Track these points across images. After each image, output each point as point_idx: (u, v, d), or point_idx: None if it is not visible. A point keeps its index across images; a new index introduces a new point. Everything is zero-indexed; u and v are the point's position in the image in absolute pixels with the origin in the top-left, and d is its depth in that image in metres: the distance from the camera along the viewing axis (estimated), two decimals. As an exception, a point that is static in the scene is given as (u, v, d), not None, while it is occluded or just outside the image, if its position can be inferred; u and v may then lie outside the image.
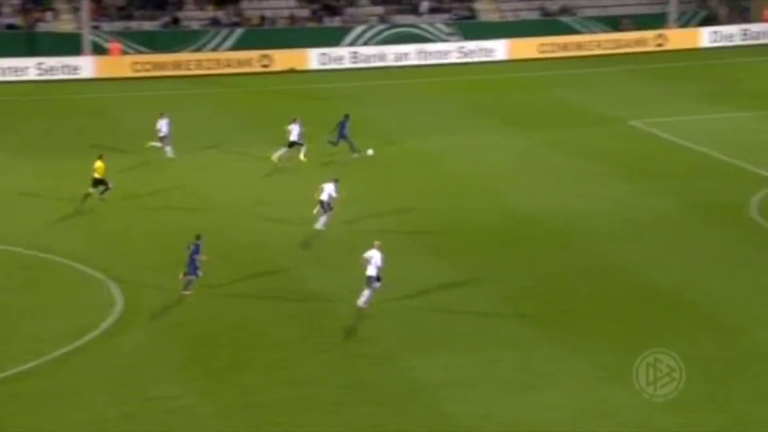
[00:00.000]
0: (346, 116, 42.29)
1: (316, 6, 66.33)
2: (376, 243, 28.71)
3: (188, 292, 29.08)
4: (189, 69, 59.49)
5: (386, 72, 60.38)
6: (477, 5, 67.85)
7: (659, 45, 64.06)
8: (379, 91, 55.91)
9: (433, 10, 66.94)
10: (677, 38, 64.63)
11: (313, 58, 61.03)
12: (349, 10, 66.19)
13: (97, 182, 36.34)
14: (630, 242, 33.25)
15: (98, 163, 36.55)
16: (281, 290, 30.14)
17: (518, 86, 56.72)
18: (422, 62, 61.88)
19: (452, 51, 62.73)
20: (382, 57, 61.93)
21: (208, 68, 59.77)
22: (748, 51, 62.96)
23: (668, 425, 22.73)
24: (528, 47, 63.08)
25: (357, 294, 28.61)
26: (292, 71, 60.07)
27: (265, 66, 60.26)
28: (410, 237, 34.19)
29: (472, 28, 65.22)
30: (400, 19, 65.84)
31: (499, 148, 44.22)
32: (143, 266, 31.77)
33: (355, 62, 61.60)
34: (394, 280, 30.42)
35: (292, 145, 40.97)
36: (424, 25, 64.70)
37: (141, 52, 60.68)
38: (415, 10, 66.85)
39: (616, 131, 46.63)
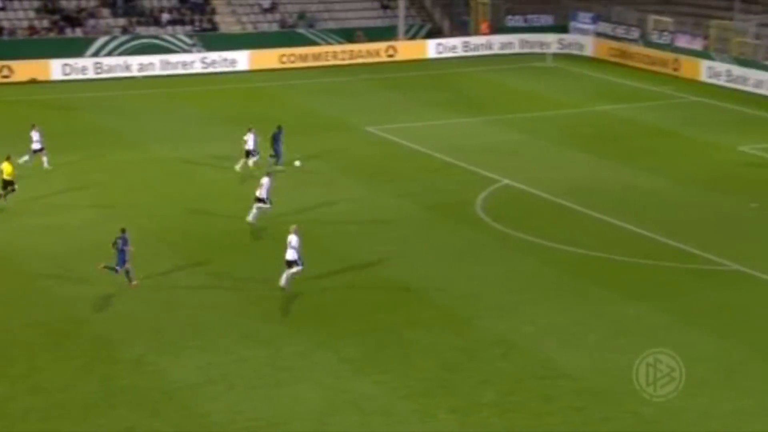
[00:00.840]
0: (279, 127, 41.91)
1: (56, 17, 64.14)
2: (293, 227, 29.58)
3: (136, 282, 29.47)
4: (-75, 79, 56.45)
5: (131, 82, 59.23)
6: (218, 18, 67.52)
7: (390, 56, 65.74)
8: (125, 101, 54.74)
9: (174, 22, 66.11)
10: (406, 50, 66.52)
11: (55, 68, 59.14)
12: (91, 22, 64.37)
13: (6, 183, 35.92)
14: (373, 241, 33.96)
15: (5, 165, 36.17)
16: (28, 298, 29.01)
17: (261, 95, 56.84)
18: (166, 72, 61.10)
19: (195, 61, 62.23)
20: (126, 67, 60.73)
21: (-55, 79, 56.98)
22: (470, 61, 65.52)
23: (407, 411, 23.38)
24: (269, 58, 63.36)
25: (106, 301, 27.93)
26: (33, 81, 57.96)
27: (6, 76, 57.96)
28: (159, 240, 33.69)
29: (214, 39, 64.86)
30: (142, 30, 64.68)
31: (244, 154, 44.09)
32: None
33: (99, 72, 60.13)
34: (142, 284, 29.95)
35: (248, 154, 40.62)
36: (166, 36, 63.87)
37: None
38: (157, 22, 65.79)
39: (354, 137, 47.50)
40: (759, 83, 55.74)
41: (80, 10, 64.90)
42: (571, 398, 23.74)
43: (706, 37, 61.43)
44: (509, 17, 70.07)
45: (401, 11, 67.88)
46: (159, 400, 23.70)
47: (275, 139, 41.83)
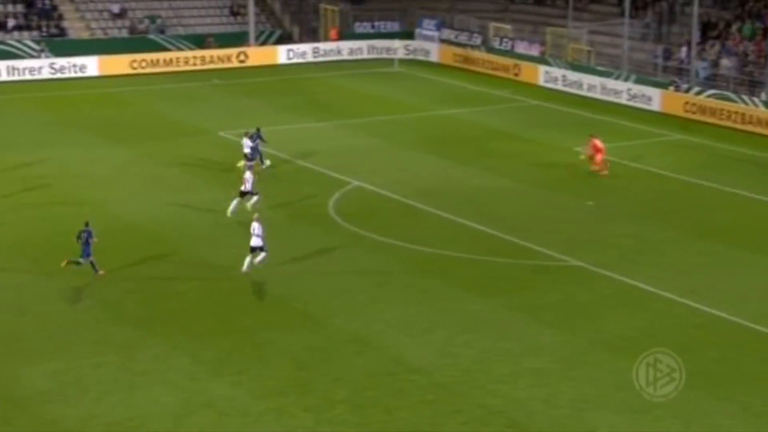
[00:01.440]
0: (258, 129, 41.96)
1: None
2: (255, 215, 31.25)
3: (102, 272, 30.08)
4: None
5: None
6: (66, 23, 65.71)
7: (242, 61, 65.23)
8: (-30, 107, 52.80)
9: (21, 28, 64.02)
10: (257, 55, 66.10)
11: None
12: (-67, 27, 61.91)
13: None
14: (228, 244, 33.55)
15: None
16: None
17: (113, 101, 55.57)
18: (13, 78, 59.16)
19: (44, 67, 60.45)
20: (-29, 73, 58.71)
21: None
22: (319, 67, 65.54)
23: (262, 410, 23.20)
24: (120, 63, 61.99)
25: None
26: None
27: None
28: (9, 249, 32.62)
29: (62, 45, 63.11)
30: (-13, 36, 62.57)
31: (98, 161, 43.12)
32: None
33: (-58, 78, 58.03)
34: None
35: (246, 158, 40.58)
36: (12, 42, 61.85)
37: None
38: (2, 27, 63.58)
39: (208, 142, 46.92)
40: (591, 87, 57.44)
41: None
42: (422, 392, 23.97)
43: (543, 44, 63.01)
44: (357, 24, 70.39)
45: (251, 17, 67.42)
46: (8, 408, 22.91)
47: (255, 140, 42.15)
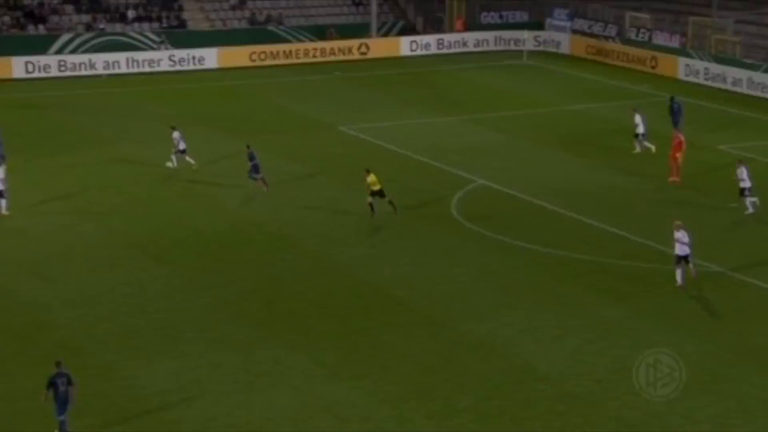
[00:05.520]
0: (672, 98, 45.94)
1: (18, 13, 63.64)
2: (677, 223, 30.02)
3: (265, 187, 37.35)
4: None
5: (96, 81, 58.88)
6: (186, 14, 67.26)
7: (363, 53, 65.74)
8: (90, 100, 54.40)
9: (141, 19, 65.79)
10: (379, 47, 66.53)
11: (17, 66, 58.77)
12: (54, 18, 63.93)
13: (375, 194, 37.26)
14: (347, 243, 33.94)
15: (371, 177, 36.24)
16: (-6, 304, 28.84)
17: (232, 94, 56.66)
18: (133, 70, 60.81)
19: (163, 59, 61.96)
20: (91, 65, 60.37)
21: None
22: (444, 59, 65.57)
23: (383, 416, 23.38)
24: (239, 55, 63.17)
25: (74, 306, 27.97)
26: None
27: (-32, 74, 57.53)
28: (128, 244, 33.56)
29: (181, 36, 64.61)
30: (107, 27, 64.31)
31: (216, 154, 43.99)
32: None
33: (63, 71, 59.75)
34: (111, 288, 29.89)
35: (637, 136, 43.81)
36: (132, 34, 63.55)
37: None
38: (123, 18, 65.44)
39: (327, 136, 47.45)
40: (737, 81, 56.10)
41: (41, 4, 64.37)
42: (552, 402, 23.81)
43: (684, 35, 61.80)
44: (484, 14, 70.20)
45: (374, 8, 67.87)
46: (128, 407, 23.60)
47: (674, 111, 44.98)
